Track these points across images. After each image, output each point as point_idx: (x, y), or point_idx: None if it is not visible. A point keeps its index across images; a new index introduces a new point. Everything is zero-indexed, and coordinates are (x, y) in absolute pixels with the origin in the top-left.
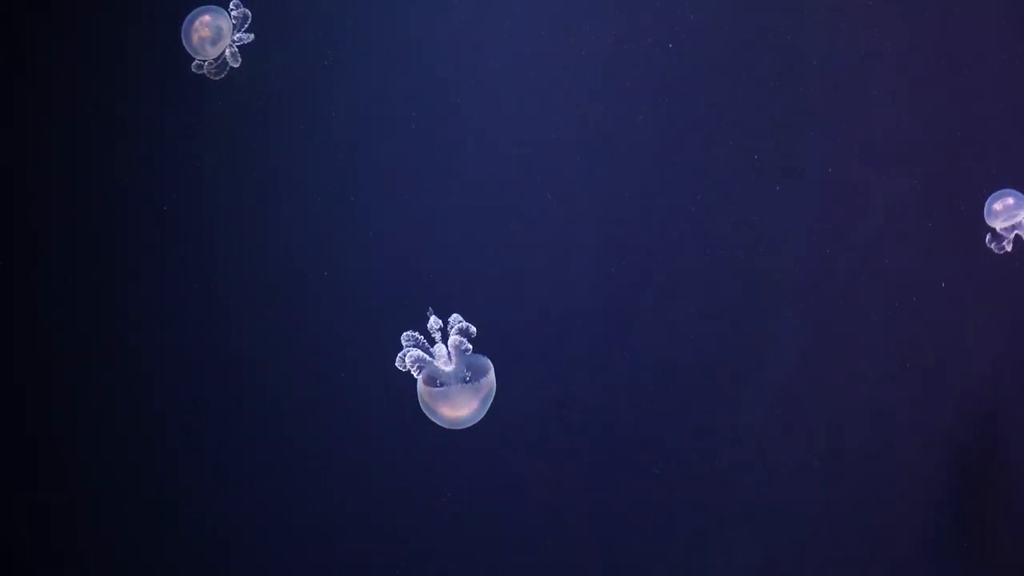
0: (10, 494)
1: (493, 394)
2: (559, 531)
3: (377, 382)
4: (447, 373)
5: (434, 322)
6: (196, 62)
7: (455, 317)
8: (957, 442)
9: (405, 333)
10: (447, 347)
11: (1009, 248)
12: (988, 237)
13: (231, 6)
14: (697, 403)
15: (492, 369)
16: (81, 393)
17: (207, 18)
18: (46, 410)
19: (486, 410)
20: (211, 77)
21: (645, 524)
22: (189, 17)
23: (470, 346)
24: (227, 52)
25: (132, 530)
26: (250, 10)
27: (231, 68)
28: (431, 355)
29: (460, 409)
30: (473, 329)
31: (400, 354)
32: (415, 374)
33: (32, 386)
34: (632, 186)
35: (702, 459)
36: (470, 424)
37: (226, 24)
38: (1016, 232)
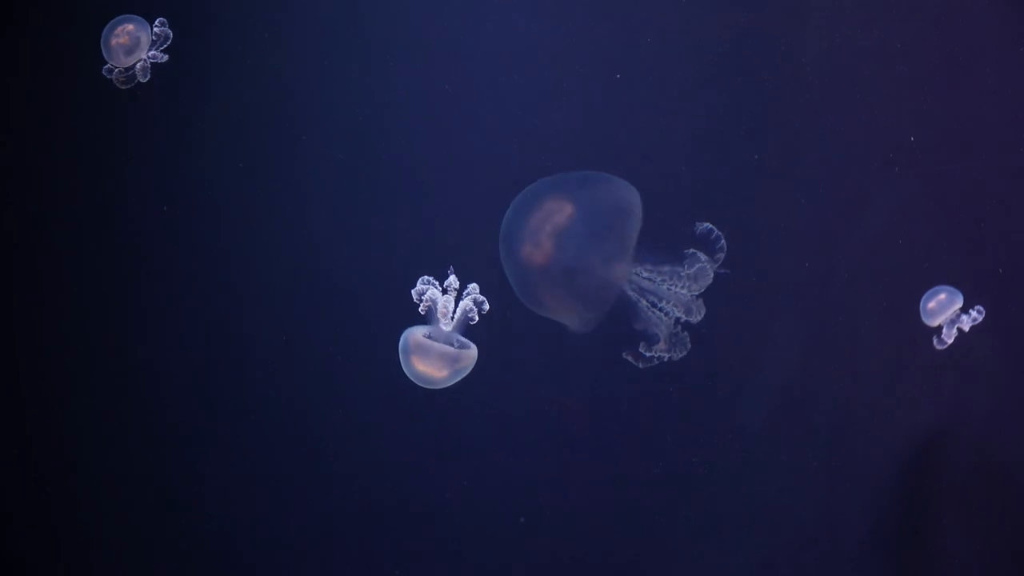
0: (9, 494)
1: (466, 372)
2: (559, 531)
3: (378, 382)
4: (440, 331)
5: (453, 281)
6: (107, 66)
7: (473, 286)
8: (957, 442)
9: (423, 277)
10: (455, 308)
11: (950, 341)
12: (934, 339)
13: (156, 23)
14: (697, 403)
15: (476, 350)
16: (80, 393)
17: (130, 27)
18: (45, 410)
19: (452, 383)
20: (118, 85)
21: (645, 524)
22: (113, 21)
23: (476, 318)
24: (138, 65)
25: (132, 529)
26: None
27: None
28: (437, 304)
29: (432, 368)
30: (487, 305)
31: (415, 290)
32: (421, 311)
33: (30, 386)
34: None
35: (702, 459)
36: (431, 387)
37: (145, 38)
38: (957, 327)
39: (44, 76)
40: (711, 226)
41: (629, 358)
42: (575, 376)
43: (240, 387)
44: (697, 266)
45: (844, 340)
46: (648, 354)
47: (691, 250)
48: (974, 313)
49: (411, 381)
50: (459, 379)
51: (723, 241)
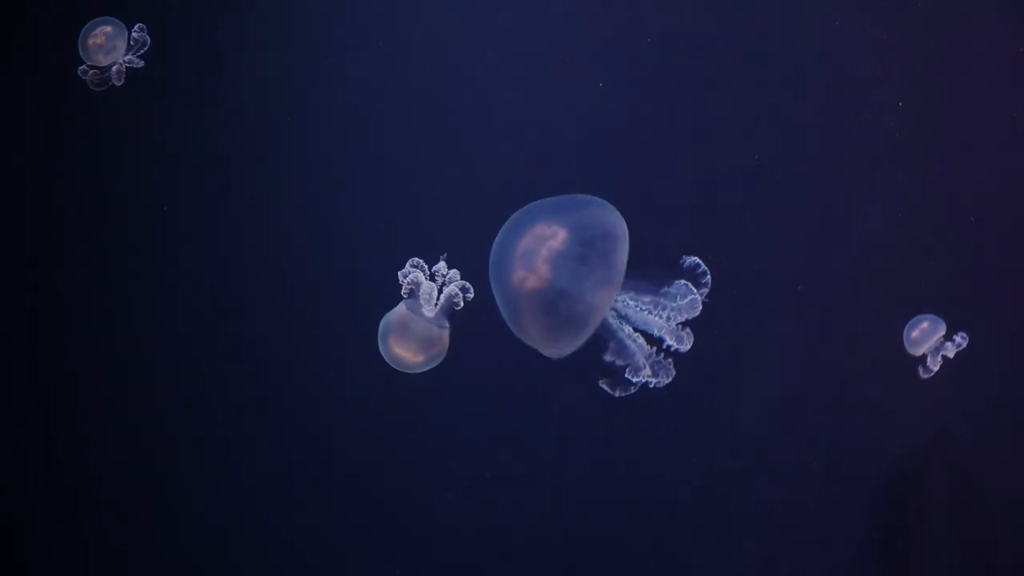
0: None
1: (439, 360)
2: (558, 531)
3: (380, 383)
4: (422, 316)
5: (442, 267)
6: (83, 67)
7: (455, 273)
8: (957, 442)
9: (412, 259)
10: (440, 294)
11: (936, 369)
12: (920, 368)
13: (135, 28)
14: (697, 403)
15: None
16: (78, 391)
17: (109, 29)
18: (40, 409)
19: (425, 369)
20: (92, 87)
21: (645, 524)
22: (93, 22)
23: (461, 304)
24: (114, 68)
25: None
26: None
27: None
28: (421, 289)
29: (407, 350)
30: (472, 293)
31: (402, 271)
32: (403, 294)
33: (27, 385)
34: (631, 186)
35: (702, 460)
36: (403, 370)
37: (123, 43)
38: (942, 354)
39: (21, 75)
40: (698, 260)
41: (605, 386)
42: (574, 376)
43: (237, 388)
44: (689, 298)
45: (845, 339)
46: (635, 380)
47: (682, 281)
48: (958, 339)
49: (404, 374)
50: (433, 366)
51: (709, 276)
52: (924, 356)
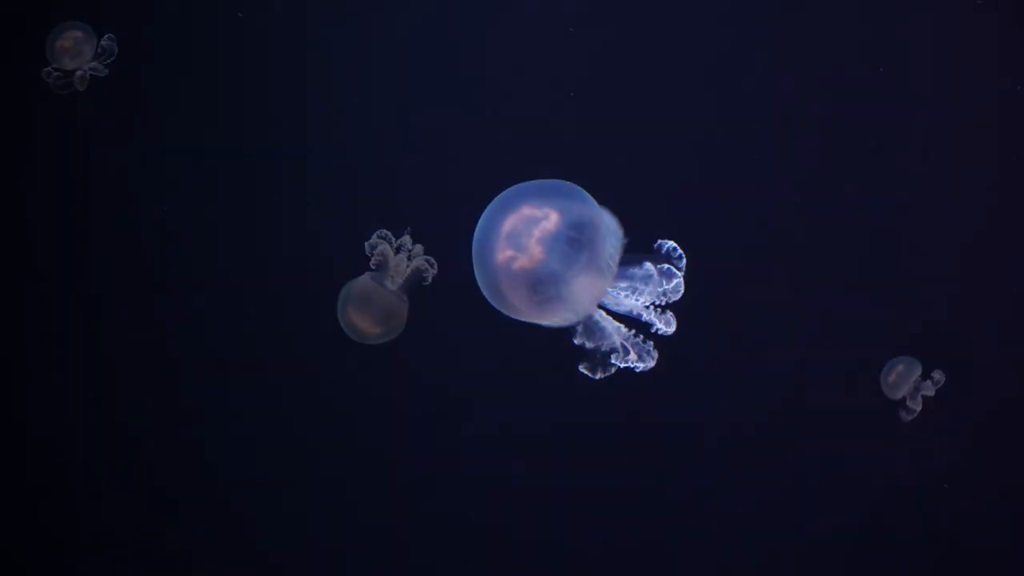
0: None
1: (394, 334)
2: (557, 532)
3: (380, 385)
4: (385, 287)
5: (407, 241)
6: (47, 69)
7: (420, 247)
8: (958, 442)
9: (379, 231)
10: (406, 267)
11: (919, 409)
12: (901, 412)
13: (105, 37)
14: (697, 403)
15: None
16: (77, 388)
17: (78, 34)
18: (40, 408)
19: (379, 342)
20: (54, 89)
21: (644, 525)
22: (64, 25)
23: (428, 279)
24: (78, 73)
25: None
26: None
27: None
28: (389, 260)
29: (363, 320)
30: (435, 269)
31: (368, 242)
32: (372, 265)
33: (27, 385)
34: (631, 186)
35: (702, 461)
36: (358, 340)
37: (90, 49)
38: (921, 393)
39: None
40: (674, 244)
41: (585, 371)
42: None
43: (238, 387)
44: (675, 281)
45: (844, 338)
46: (622, 364)
47: (664, 265)
48: (936, 376)
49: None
50: (389, 339)
51: (685, 259)
52: (904, 399)
